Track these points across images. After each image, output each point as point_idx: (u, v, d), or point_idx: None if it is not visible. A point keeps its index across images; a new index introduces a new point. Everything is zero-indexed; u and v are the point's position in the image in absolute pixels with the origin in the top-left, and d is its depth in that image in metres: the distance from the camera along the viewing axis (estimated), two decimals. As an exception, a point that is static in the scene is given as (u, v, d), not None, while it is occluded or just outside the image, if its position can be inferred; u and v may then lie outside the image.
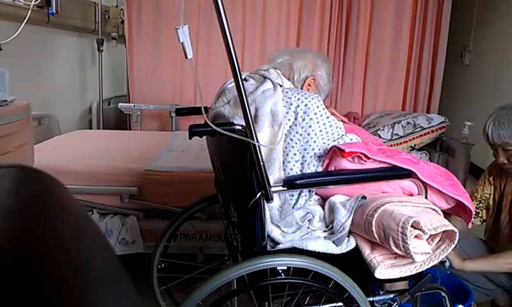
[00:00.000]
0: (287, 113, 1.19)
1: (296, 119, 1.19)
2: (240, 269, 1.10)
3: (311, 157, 1.21)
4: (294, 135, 1.20)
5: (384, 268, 1.14)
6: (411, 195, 1.26)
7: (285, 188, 1.14)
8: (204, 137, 1.22)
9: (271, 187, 1.11)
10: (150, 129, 3.45)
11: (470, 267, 1.59)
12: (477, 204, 1.80)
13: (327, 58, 1.60)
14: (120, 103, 3.41)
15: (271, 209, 1.18)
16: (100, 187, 2.04)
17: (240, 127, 1.08)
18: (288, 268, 1.14)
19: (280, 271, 1.15)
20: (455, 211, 1.33)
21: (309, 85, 1.44)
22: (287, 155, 1.21)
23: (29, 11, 2.52)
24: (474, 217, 1.79)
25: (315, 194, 1.29)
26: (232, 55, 0.99)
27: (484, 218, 1.81)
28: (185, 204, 1.74)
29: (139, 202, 2.05)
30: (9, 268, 0.23)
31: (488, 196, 1.79)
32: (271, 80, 1.24)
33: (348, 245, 1.18)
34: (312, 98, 1.20)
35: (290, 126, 1.20)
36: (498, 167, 1.73)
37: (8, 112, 1.73)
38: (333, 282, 1.15)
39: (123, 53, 3.64)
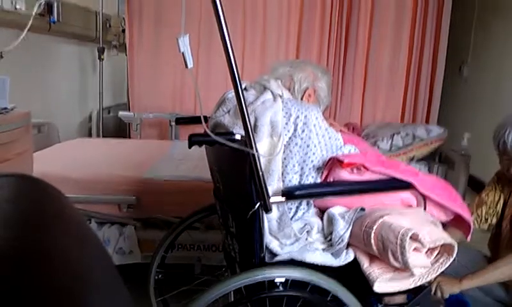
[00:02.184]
0: (286, 124, 1.19)
1: (295, 130, 1.19)
2: (238, 281, 1.10)
3: (310, 168, 1.20)
4: (293, 147, 1.20)
5: (383, 282, 1.13)
6: (410, 207, 1.25)
7: (284, 199, 1.14)
8: (203, 146, 1.22)
9: (269, 198, 1.11)
10: (150, 138, 3.46)
11: (467, 285, 1.54)
12: (487, 209, 1.76)
13: (327, 70, 1.61)
14: (120, 112, 3.41)
15: (270, 221, 1.18)
16: (98, 195, 2.03)
17: (239, 137, 1.08)
18: (287, 280, 1.13)
19: (278, 283, 1.14)
20: (454, 223, 1.33)
21: (309, 95, 1.44)
22: (286, 166, 1.21)
23: (31, 19, 2.53)
24: (483, 223, 1.77)
25: (314, 206, 1.29)
26: (232, 65, 0.99)
27: (493, 223, 1.77)
28: (183, 213, 1.74)
29: (137, 211, 2.04)
30: (9, 276, 0.23)
31: (496, 202, 1.75)
32: (271, 91, 1.25)
33: (346, 257, 1.18)
34: (312, 110, 1.20)
35: (290, 138, 1.20)
36: (506, 176, 1.71)
37: (8, 120, 1.73)
38: (331, 295, 1.14)
39: (123, 61, 3.65)
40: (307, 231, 1.22)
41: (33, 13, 2.56)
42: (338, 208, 1.24)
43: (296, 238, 1.20)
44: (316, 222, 1.25)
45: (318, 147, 1.20)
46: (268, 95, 1.24)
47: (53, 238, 0.28)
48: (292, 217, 1.24)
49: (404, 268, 1.09)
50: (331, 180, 1.22)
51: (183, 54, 1.02)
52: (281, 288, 1.14)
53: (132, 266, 1.99)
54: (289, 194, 1.14)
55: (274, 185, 1.16)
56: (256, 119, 1.19)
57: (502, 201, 1.74)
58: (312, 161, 1.20)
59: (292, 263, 1.15)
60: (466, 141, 2.74)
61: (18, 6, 2.49)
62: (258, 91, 1.29)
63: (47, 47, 3.04)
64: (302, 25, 3.45)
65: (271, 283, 1.13)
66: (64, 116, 3.26)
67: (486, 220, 1.76)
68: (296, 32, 3.43)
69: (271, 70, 1.48)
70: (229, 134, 1.11)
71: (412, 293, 1.25)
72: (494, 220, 1.76)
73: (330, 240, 1.20)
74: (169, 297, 1.69)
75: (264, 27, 3.40)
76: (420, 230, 1.08)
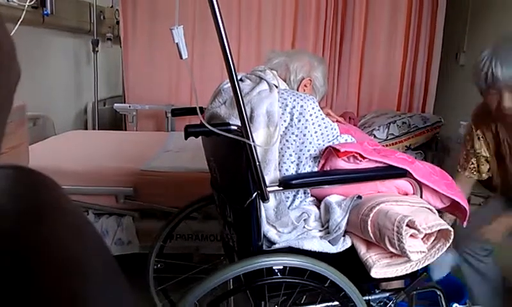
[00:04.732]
0: (282, 114, 1.20)
1: (291, 120, 1.20)
2: (237, 269, 1.11)
3: (306, 157, 1.21)
4: (290, 136, 1.20)
5: (380, 268, 1.14)
6: (407, 194, 1.26)
7: (281, 188, 1.14)
8: (200, 137, 1.22)
9: (266, 187, 1.11)
10: (146, 129, 3.45)
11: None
12: (477, 160, 1.70)
13: (323, 60, 1.61)
14: (115, 104, 3.40)
15: (267, 210, 1.18)
16: (95, 187, 2.03)
17: (236, 127, 1.08)
18: (285, 267, 1.14)
19: (276, 271, 1.15)
20: (450, 210, 1.34)
21: (305, 86, 1.44)
22: (283, 155, 1.21)
23: (24, 12, 2.50)
24: (473, 174, 1.72)
25: (310, 195, 1.30)
26: (228, 56, 0.99)
27: (488, 168, 1.70)
28: (181, 204, 1.75)
29: (135, 202, 2.05)
30: (8, 268, 0.23)
31: (479, 151, 1.69)
32: (267, 81, 1.25)
33: (344, 244, 1.19)
34: (308, 100, 1.21)
35: (286, 127, 1.20)
36: (484, 116, 1.63)
37: (3, 113, 1.72)
38: (329, 281, 1.15)
39: (118, 54, 3.63)
40: (304, 220, 1.23)
41: (26, 6, 2.54)
42: (335, 196, 1.25)
43: (293, 226, 1.20)
44: (313, 210, 1.26)
45: (314, 136, 1.21)
46: (264, 86, 1.24)
47: (51, 230, 0.29)
48: (289, 205, 1.25)
49: (401, 254, 1.10)
50: (328, 168, 1.23)
51: (177, 44, 1.02)
52: (279, 275, 1.15)
53: (130, 256, 2.00)
54: (286, 183, 1.14)
55: (271, 174, 1.17)
56: (252, 110, 1.19)
57: (486, 147, 1.67)
58: (309, 150, 1.21)
59: (290, 250, 1.16)
60: (463, 129, 2.74)
61: (10, -2, 2.46)
62: (253, 81, 1.29)
63: (40, 39, 3.01)
64: (297, 16, 3.42)
65: (269, 271, 1.14)
66: (59, 108, 3.24)
67: (478, 168, 1.71)
68: (291, 21, 3.41)
69: (267, 60, 1.48)
70: (225, 125, 1.11)
71: (409, 278, 1.27)
72: (486, 167, 1.70)
73: (327, 227, 1.21)
74: (169, 286, 1.71)
75: (259, 18, 3.38)
76: (417, 217, 1.09)
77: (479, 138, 1.69)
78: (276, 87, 1.25)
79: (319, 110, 1.22)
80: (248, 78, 1.32)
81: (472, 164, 1.72)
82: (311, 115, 1.20)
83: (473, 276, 1.71)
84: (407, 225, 1.07)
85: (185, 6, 3.22)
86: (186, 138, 1.10)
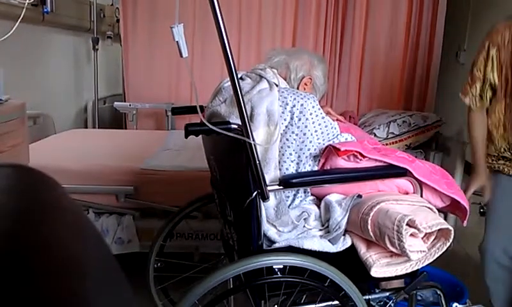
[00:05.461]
0: (282, 113, 1.20)
1: (291, 119, 1.19)
2: (237, 268, 1.11)
3: (306, 156, 1.21)
4: (290, 135, 1.20)
5: (380, 267, 1.14)
6: (407, 193, 1.26)
7: (281, 187, 1.14)
8: (200, 136, 1.22)
9: (267, 186, 1.11)
10: (146, 128, 3.44)
11: None
12: (481, 85, 1.58)
13: (323, 59, 1.60)
14: (115, 102, 3.39)
15: (267, 209, 1.18)
16: (95, 186, 2.03)
17: (236, 126, 1.08)
18: (285, 267, 1.14)
19: (276, 270, 1.15)
20: (450, 209, 1.34)
21: (305, 84, 1.44)
22: (283, 154, 1.21)
23: (24, 10, 2.50)
24: (478, 102, 1.59)
25: (311, 194, 1.30)
26: (228, 55, 0.99)
27: (488, 98, 1.59)
28: (181, 203, 1.74)
29: (135, 201, 2.05)
30: (7, 267, 0.23)
31: (491, 74, 1.56)
32: (267, 80, 1.25)
33: (344, 243, 1.19)
34: (308, 99, 1.20)
35: (286, 126, 1.20)
36: (506, 32, 1.50)
37: (3, 112, 1.72)
38: (329, 280, 1.15)
39: (118, 52, 3.63)
40: (304, 219, 1.23)
41: (26, 3, 2.53)
42: (335, 195, 1.25)
43: (293, 225, 1.20)
44: (313, 209, 1.26)
45: (314, 135, 1.21)
46: (264, 84, 1.24)
47: (51, 229, 0.28)
48: (290, 204, 1.25)
49: (401, 253, 1.10)
50: (328, 167, 1.23)
51: (177, 43, 1.02)
52: (279, 275, 1.15)
53: (131, 255, 2.00)
54: (286, 182, 1.14)
55: (271, 173, 1.17)
56: (252, 109, 1.19)
57: (500, 70, 1.53)
58: (309, 149, 1.21)
59: (290, 250, 1.16)
60: (463, 128, 2.74)
61: (10, -4, 2.46)
62: (254, 80, 1.29)
63: (40, 37, 3.01)
64: (298, 14, 3.42)
65: (269, 270, 1.14)
66: (59, 107, 3.24)
67: (481, 97, 1.60)
68: (291, 20, 3.41)
69: (267, 58, 1.48)
70: (225, 123, 1.11)
71: (409, 277, 1.27)
72: (489, 94, 1.58)
73: (327, 227, 1.21)
74: (169, 285, 1.71)
75: (259, 17, 3.38)
76: (417, 216, 1.09)
77: (493, 60, 1.54)
78: (277, 85, 1.25)
79: (319, 109, 1.22)
80: (248, 76, 1.31)
81: (475, 89, 1.59)
82: (311, 114, 1.20)
83: (499, 272, 1.66)
84: (407, 224, 1.07)
85: (186, 5, 3.21)
86: (186, 137, 1.10)
